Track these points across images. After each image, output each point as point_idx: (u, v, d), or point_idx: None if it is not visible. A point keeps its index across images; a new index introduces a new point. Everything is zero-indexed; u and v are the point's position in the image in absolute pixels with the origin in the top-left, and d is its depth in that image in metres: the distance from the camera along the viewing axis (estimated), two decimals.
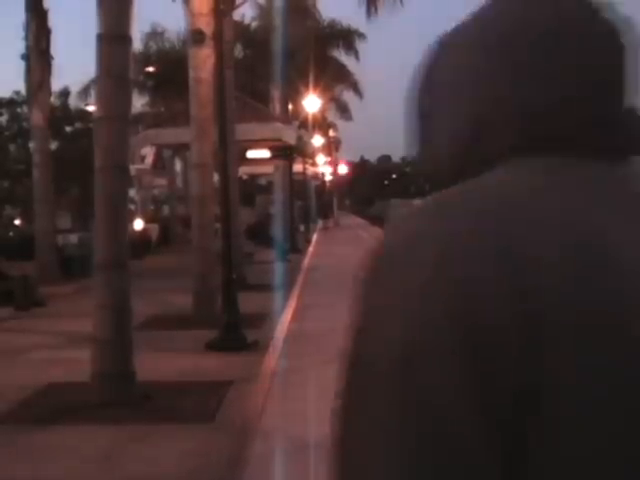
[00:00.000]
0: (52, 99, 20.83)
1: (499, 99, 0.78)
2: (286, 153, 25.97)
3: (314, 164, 46.18)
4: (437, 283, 0.67)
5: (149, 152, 35.34)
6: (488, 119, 0.79)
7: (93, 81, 15.45)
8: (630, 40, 0.79)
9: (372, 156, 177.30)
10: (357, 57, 37.31)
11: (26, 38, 17.90)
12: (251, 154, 25.35)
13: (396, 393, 0.67)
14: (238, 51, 30.39)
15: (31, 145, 19.39)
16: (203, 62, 11.49)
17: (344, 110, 46.50)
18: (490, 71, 0.79)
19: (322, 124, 48.31)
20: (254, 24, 34.25)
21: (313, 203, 46.99)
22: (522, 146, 0.77)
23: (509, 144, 0.77)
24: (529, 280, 0.66)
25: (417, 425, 0.66)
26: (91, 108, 24.84)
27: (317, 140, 44.54)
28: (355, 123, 79.21)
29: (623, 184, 0.77)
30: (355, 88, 41.82)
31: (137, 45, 32.18)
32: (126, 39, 7.24)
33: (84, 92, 32.00)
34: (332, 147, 63.96)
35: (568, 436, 0.67)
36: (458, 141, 0.81)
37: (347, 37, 36.42)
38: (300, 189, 38.45)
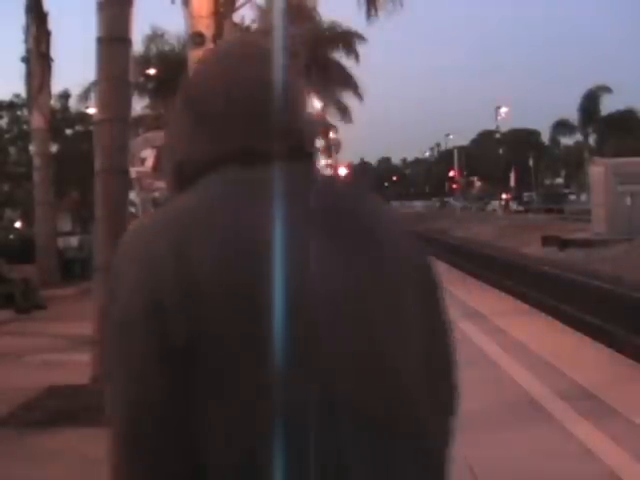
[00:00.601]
0: (52, 102, 20.85)
1: (200, 135, 1.11)
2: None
3: None
4: (138, 274, 1.00)
5: (149, 154, 35.38)
6: (193, 150, 1.11)
7: (93, 84, 15.44)
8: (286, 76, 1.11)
9: (372, 158, 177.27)
10: (357, 59, 37.34)
11: (26, 41, 17.91)
12: None
13: (119, 343, 1.00)
14: None
15: (31, 148, 19.41)
16: None
17: (344, 112, 46.49)
18: (191, 119, 1.12)
19: (322, 126, 48.27)
20: (254, 26, 34.26)
21: None
22: (217, 163, 1.07)
23: (207, 162, 1.08)
24: (190, 264, 0.97)
25: (127, 366, 0.98)
26: (91, 111, 24.84)
27: (318, 142, 44.46)
28: (355, 125, 79.24)
29: (293, 182, 1.06)
30: (355, 90, 41.82)
31: (137, 47, 32.19)
32: (126, 41, 7.25)
33: (84, 95, 32.00)
34: (333, 149, 63.89)
35: (224, 375, 0.95)
36: (177, 161, 1.14)
37: (347, 39, 36.42)
38: None
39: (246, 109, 1.08)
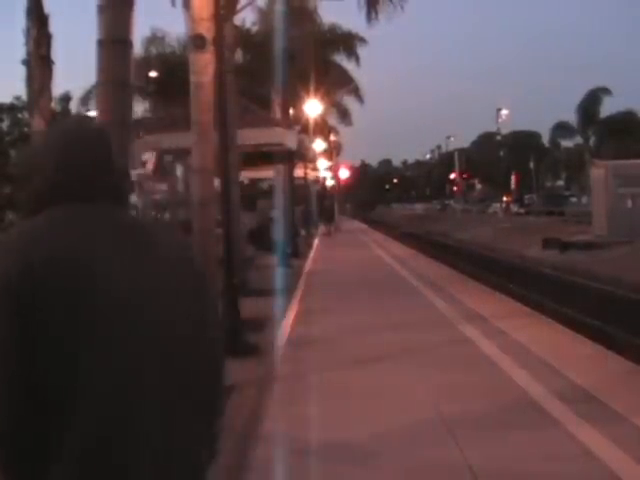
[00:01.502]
0: (53, 104, 20.83)
1: (47, 176, 1.65)
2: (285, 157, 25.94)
3: (315, 168, 46.10)
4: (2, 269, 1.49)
5: (150, 158, 35.36)
6: (44, 184, 1.64)
7: (94, 86, 15.44)
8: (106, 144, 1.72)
9: (373, 160, 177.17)
10: (358, 62, 37.34)
11: (27, 43, 17.91)
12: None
13: None
14: (239, 56, 30.41)
15: None
16: (204, 67, 11.49)
17: (345, 115, 46.50)
18: (45, 161, 1.67)
19: (323, 129, 48.28)
20: (255, 29, 34.27)
21: (314, 207, 46.96)
22: (55, 200, 1.61)
23: (48, 198, 1.62)
24: (33, 265, 1.47)
25: None
26: (92, 113, 24.83)
27: (318, 145, 44.52)
28: (356, 128, 79.27)
29: (111, 218, 1.63)
30: (356, 93, 41.83)
31: (138, 50, 32.18)
32: (127, 44, 7.25)
33: (85, 97, 32.05)
34: (333, 152, 63.87)
35: (51, 331, 1.46)
36: (32, 193, 1.68)
37: (348, 42, 36.42)
38: (301, 193, 38.41)
39: (81, 166, 1.65)
